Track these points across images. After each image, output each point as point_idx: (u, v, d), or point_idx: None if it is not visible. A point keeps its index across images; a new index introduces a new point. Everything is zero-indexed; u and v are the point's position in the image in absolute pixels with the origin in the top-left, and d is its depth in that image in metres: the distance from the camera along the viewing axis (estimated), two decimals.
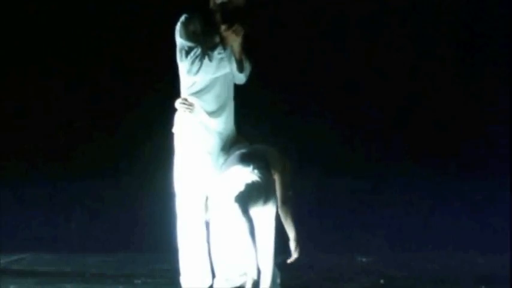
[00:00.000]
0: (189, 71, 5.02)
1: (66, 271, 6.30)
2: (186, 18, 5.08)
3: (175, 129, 5.20)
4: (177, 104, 5.17)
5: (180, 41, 5.04)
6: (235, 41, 5.06)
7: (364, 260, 6.65)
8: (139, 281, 5.82)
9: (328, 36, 7.74)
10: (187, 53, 5.00)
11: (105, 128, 7.67)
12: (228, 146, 5.21)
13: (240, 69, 5.17)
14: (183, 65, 5.03)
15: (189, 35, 5.03)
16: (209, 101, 5.12)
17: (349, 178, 7.29)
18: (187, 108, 5.11)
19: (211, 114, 5.13)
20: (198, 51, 4.99)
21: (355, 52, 7.81)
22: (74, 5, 7.74)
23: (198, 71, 5.01)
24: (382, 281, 5.76)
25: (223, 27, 5.06)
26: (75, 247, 7.11)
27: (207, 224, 5.16)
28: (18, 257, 6.78)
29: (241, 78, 5.24)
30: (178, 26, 5.07)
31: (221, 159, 5.16)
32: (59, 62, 7.71)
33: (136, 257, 6.85)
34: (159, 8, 7.42)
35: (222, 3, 5.11)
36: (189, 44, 5.01)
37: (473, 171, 7.69)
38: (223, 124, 5.18)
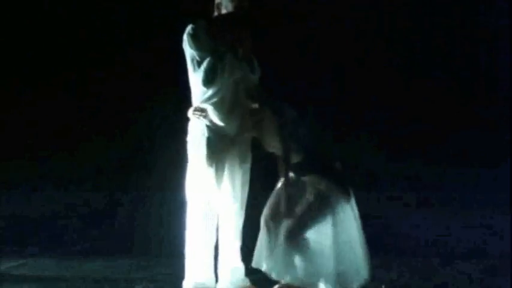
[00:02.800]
0: (204, 81, 5.02)
1: (67, 276, 6.27)
2: (192, 29, 5.08)
3: (189, 138, 5.20)
4: (190, 113, 5.18)
5: (190, 52, 5.06)
6: (245, 46, 5.08)
7: None
8: (140, 286, 5.80)
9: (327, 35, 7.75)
10: (200, 63, 5.02)
11: (109, 134, 7.68)
12: (243, 150, 5.23)
13: (253, 71, 5.17)
14: (197, 75, 5.03)
15: (198, 45, 5.04)
16: (221, 107, 5.13)
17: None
18: (200, 115, 5.11)
19: (225, 119, 5.14)
20: (210, 60, 4.99)
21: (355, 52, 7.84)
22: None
23: (213, 80, 5.02)
24: (383, 286, 5.74)
25: (231, 33, 5.07)
26: (76, 252, 7.09)
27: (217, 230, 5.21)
28: (19, 262, 6.75)
29: (252, 81, 5.25)
30: (186, 37, 5.08)
31: (235, 164, 5.18)
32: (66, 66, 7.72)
33: (138, 262, 6.82)
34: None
35: (228, 11, 5.13)
36: (201, 53, 5.02)
37: (474, 174, 7.71)
38: (236, 128, 5.19)
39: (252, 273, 5.43)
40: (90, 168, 7.69)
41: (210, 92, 5.09)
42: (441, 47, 8.10)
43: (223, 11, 5.15)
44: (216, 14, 5.21)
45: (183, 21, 5.12)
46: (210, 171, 5.10)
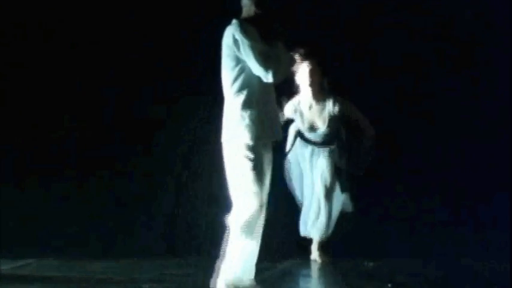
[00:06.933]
0: (274, 74, 4.98)
1: (72, 277, 6.27)
2: (241, 21, 5.01)
3: (229, 138, 5.15)
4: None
5: (257, 46, 4.96)
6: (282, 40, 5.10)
7: (371, 264, 6.66)
8: (146, 286, 5.79)
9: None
10: (269, 57, 4.96)
11: (111, 133, 7.68)
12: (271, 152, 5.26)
13: None
14: (267, 70, 4.95)
15: (254, 37, 4.98)
16: (267, 92, 5.13)
17: (357, 182, 7.28)
18: None
19: (267, 105, 5.15)
20: (272, 53, 4.99)
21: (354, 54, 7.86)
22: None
23: (279, 73, 5.02)
24: (389, 285, 5.76)
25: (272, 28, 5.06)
26: (81, 253, 7.09)
27: None
28: (24, 262, 6.75)
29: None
30: (239, 30, 4.97)
31: (268, 168, 5.20)
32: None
33: (144, 262, 6.83)
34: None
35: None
36: (265, 48, 4.98)
37: (476, 178, 7.74)
38: (277, 131, 5.27)
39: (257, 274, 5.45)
40: (94, 169, 7.66)
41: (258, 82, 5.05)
42: None
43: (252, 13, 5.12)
44: (245, 11, 5.15)
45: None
46: (260, 175, 5.06)
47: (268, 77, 4.99)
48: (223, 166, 5.25)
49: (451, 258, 6.92)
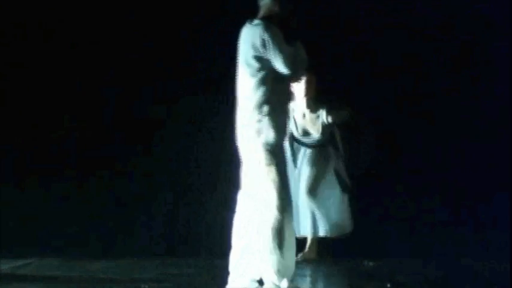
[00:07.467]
0: (300, 75, 5.14)
1: (72, 276, 6.26)
2: (270, 24, 4.99)
3: (248, 140, 5.07)
4: None
5: (286, 48, 4.95)
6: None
7: (371, 264, 6.66)
8: (146, 286, 5.77)
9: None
10: (295, 58, 4.99)
11: (111, 133, 7.69)
12: None
13: None
14: (295, 73, 5.01)
15: (284, 41, 4.99)
16: (285, 93, 5.15)
17: (356, 183, 7.29)
18: None
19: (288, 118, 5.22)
20: (296, 54, 5.02)
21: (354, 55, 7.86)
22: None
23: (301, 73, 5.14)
24: (388, 285, 5.75)
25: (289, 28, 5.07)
26: (81, 252, 7.09)
27: None
28: (25, 261, 6.75)
29: None
30: (272, 34, 4.94)
31: None
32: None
33: (144, 262, 6.83)
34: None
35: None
36: (291, 50, 4.98)
37: (476, 178, 7.75)
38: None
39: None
40: (95, 169, 7.66)
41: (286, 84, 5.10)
42: None
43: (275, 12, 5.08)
44: (264, 11, 5.10)
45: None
46: (285, 176, 5.07)
47: (295, 78, 5.10)
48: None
49: (451, 258, 6.93)
